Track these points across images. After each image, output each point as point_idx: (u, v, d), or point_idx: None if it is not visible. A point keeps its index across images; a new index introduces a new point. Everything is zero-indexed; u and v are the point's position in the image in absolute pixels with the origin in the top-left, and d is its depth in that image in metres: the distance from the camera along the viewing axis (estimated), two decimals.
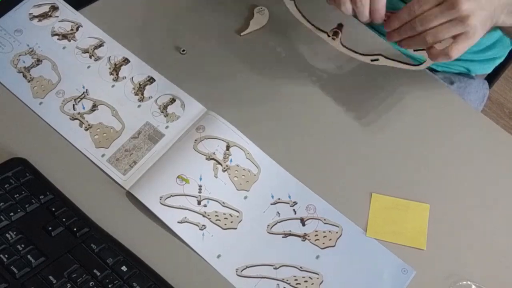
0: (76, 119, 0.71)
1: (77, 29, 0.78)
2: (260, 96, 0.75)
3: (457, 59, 0.92)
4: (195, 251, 0.64)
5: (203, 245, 0.64)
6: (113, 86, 0.74)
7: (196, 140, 0.69)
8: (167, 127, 0.71)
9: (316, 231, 0.66)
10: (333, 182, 0.69)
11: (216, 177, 0.68)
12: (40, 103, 0.72)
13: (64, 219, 0.62)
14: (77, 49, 0.76)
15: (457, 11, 0.57)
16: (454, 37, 0.59)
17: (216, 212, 0.66)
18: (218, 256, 0.64)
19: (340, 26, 0.71)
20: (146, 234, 0.64)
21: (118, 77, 0.75)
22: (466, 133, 0.74)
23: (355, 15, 0.63)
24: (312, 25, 0.71)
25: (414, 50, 0.64)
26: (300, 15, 0.71)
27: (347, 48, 0.71)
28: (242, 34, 0.79)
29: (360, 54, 0.71)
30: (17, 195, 0.62)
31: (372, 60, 0.71)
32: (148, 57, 0.76)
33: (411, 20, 0.60)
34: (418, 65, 0.69)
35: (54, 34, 0.77)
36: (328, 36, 0.71)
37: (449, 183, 0.70)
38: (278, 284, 0.63)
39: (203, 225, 0.65)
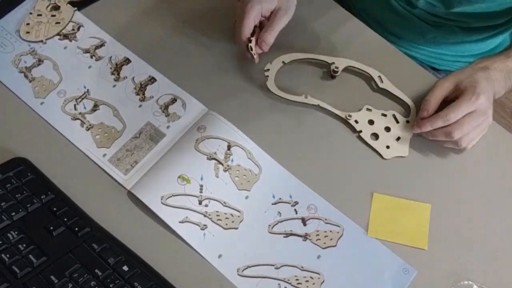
0: (78, 119, 0.71)
1: (78, 29, 0.78)
2: (261, 96, 0.75)
3: (459, 62, 0.93)
4: (196, 251, 0.64)
5: (204, 245, 0.64)
6: (114, 86, 0.74)
7: (197, 140, 0.69)
8: (168, 127, 0.71)
9: (317, 231, 0.66)
10: (334, 182, 0.69)
11: (217, 177, 0.68)
12: (42, 103, 0.72)
13: (65, 219, 0.62)
14: (78, 49, 0.76)
15: (487, 117, 0.68)
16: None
17: (217, 212, 0.66)
18: (219, 256, 0.64)
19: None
20: (147, 234, 0.64)
21: (119, 77, 0.75)
22: None
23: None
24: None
25: None
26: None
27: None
28: None
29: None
30: (19, 195, 0.62)
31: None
32: (149, 57, 0.76)
33: (445, 126, 0.68)
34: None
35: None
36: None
37: (451, 183, 0.70)
38: (279, 284, 0.63)
39: (204, 225, 0.65)
